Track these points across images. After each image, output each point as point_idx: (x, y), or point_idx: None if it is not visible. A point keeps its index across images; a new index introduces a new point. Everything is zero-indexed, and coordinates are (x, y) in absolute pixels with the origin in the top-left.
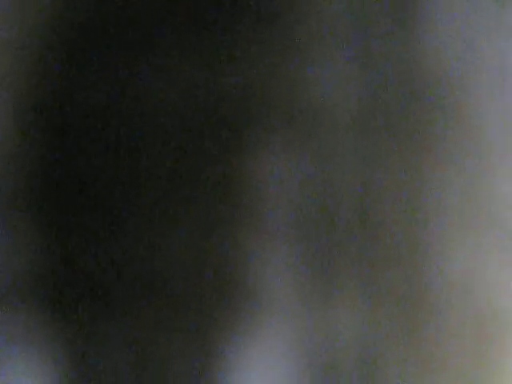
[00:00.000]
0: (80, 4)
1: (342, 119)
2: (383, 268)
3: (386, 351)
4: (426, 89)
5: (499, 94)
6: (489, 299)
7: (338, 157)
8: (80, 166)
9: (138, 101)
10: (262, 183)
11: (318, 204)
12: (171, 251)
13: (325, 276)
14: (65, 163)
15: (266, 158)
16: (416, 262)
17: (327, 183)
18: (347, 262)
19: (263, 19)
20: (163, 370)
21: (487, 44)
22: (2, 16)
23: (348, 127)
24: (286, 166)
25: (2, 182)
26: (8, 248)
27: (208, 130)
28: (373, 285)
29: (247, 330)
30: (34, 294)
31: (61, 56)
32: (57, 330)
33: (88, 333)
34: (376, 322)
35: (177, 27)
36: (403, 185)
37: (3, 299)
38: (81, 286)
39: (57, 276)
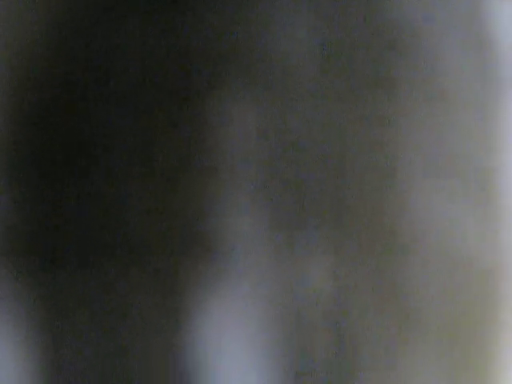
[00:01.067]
0: None
1: (306, 68)
2: (351, 217)
3: (354, 302)
4: (392, 40)
5: (470, 45)
6: (465, 245)
7: (303, 107)
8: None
9: (118, 57)
10: (232, 134)
11: (287, 158)
12: (137, 201)
13: (292, 228)
14: (56, 126)
15: (239, 106)
16: (385, 210)
17: (295, 135)
18: (313, 212)
19: None
20: (130, 336)
21: None
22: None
23: (313, 76)
24: (253, 119)
25: None
26: None
27: (174, 75)
28: (341, 235)
29: (215, 287)
30: (18, 278)
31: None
32: (43, 316)
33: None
34: (345, 272)
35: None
36: (369, 132)
37: None
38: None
39: (40, 259)
